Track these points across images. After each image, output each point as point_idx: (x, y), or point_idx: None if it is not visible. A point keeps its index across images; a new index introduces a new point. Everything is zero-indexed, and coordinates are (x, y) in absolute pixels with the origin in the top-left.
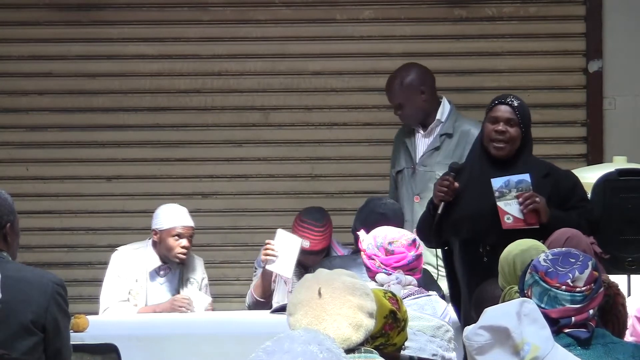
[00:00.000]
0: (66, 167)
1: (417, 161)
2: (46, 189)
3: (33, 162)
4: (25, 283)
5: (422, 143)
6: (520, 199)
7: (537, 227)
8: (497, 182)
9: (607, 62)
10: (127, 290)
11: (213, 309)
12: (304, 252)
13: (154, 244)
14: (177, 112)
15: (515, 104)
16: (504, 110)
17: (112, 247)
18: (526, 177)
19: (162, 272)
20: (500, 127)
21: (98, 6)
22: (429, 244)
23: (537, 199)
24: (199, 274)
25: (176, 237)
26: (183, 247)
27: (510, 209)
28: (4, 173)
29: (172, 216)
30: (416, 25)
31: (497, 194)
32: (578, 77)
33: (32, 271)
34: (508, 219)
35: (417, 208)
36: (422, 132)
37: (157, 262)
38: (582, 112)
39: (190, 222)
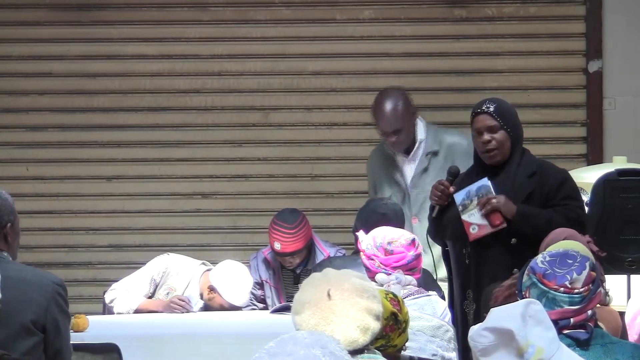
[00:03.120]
0: (66, 167)
1: (408, 185)
2: (46, 189)
3: (33, 162)
4: (26, 283)
5: (408, 167)
6: (480, 209)
7: (505, 226)
8: (459, 197)
9: (607, 62)
10: (145, 293)
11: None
12: (277, 254)
13: (204, 276)
14: (177, 112)
15: (492, 109)
16: (482, 120)
17: (113, 247)
18: (484, 181)
19: (194, 302)
20: (485, 137)
21: (98, 6)
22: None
23: (494, 200)
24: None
25: (220, 306)
26: (217, 310)
27: (474, 218)
28: (4, 173)
29: (232, 293)
30: (416, 25)
31: (460, 208)
32: (578, 77)
33: (32, 271)
34: (473, 229)
35: (417, 230)
36: (404, 155)
37: (193, 290)
38: (582, 112)
39: (242, 303)
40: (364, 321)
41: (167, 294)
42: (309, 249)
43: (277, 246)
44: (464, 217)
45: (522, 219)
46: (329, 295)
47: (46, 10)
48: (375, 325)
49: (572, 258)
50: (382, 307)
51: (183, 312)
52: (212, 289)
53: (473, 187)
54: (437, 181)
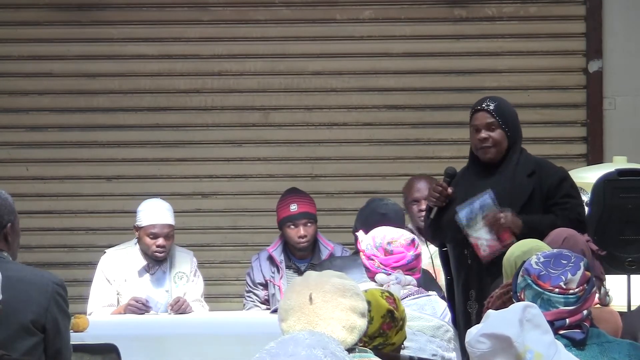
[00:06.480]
0: (66, 167)
1: None
2: (46, 189)
3: (33, 162)
4: (26, 283)
5: None
6: (487, 227)
7: (515, 241)
8: (462, 215)
9: (607, 62)
10: (114, 294)
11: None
12: (293, 218)
13: (139, 241)
14: (177, 112)
15: (492, 107)
16: (481, 117)
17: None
18: (486, 197)
19: (151, 271)
20: (483, 134)
21: (98, 6)
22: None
23: (502, 219)
24: (187, 266)
25: (151, 236)
26: (158, 246)
27: (481, 233)
28: (4, 173)
29: (149, 214)
30: (416, 25)
31: (466, 229)
32: (578, 77)
33: (33, 271)
34: (484, 250)
35: None
36: None
37: (143, 261)
38: (582, 112)
39: (167, 220)
40: (349, 320)
41: (125, 280)
42: (314, 244)
43: (294, 207)
44: (472, 237)
45: (528, 231)
46: (310, 299)
47: (46, 10)
48: (362, 323)
49: (566, 259)
50: (373, 305)
51: (141, 313)
52: (136, 229)
53: (476, 204)
54: (435, 183)
